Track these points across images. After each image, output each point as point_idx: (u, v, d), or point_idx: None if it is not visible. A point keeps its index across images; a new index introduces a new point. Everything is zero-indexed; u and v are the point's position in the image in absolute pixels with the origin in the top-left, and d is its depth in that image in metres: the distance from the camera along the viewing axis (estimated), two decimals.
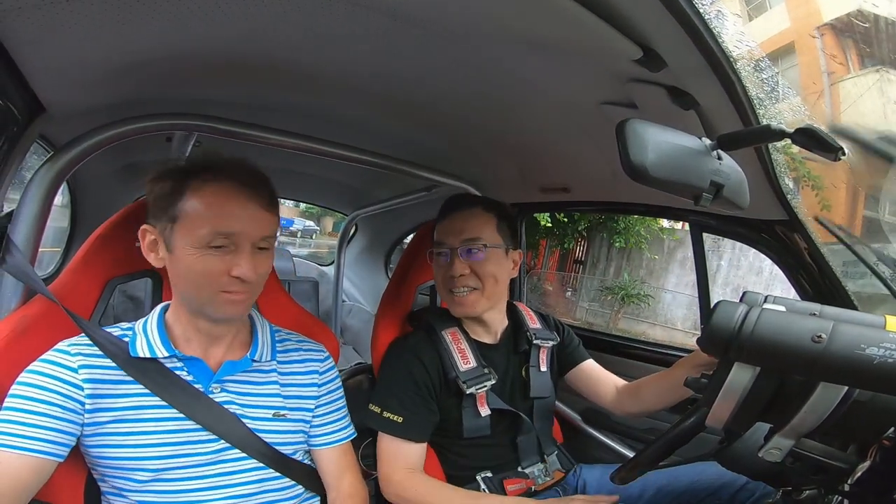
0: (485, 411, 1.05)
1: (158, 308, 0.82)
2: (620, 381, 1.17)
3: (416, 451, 1.00)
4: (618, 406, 1.14)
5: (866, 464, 0.53)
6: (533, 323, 1.20)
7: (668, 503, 1.01)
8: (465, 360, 1.06)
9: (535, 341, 1.15)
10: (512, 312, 1.19)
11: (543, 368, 1.17)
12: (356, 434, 0.95)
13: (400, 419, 0.99)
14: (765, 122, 0.75)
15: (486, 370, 1.06)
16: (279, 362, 0.87)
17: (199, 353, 0.79)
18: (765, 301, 0.57)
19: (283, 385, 0.86)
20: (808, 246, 1.03)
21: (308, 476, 0.87)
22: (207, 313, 0.76)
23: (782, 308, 0.53)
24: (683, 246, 8.73)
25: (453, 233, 1.07)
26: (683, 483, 1.00)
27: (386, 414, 1.00)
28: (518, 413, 1.08)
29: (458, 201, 1.12)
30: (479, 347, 1.10)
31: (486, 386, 1.04)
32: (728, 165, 0.63)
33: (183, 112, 0.99)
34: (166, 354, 0.76)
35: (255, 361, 0.83)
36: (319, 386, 0.90)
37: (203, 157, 0.76)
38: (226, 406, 0.79)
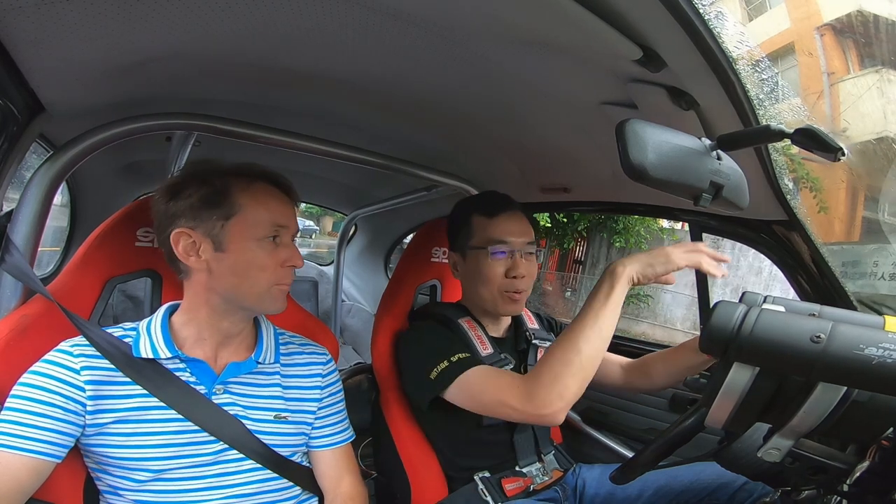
0: None
1: (163, 309, 0.81)
2: (623, 359, 1.18)
3: (495, 368, 0.96)
4: (627, 384, 1.15)
5: (865, 464, 0.53)
6: (531, 323, 1.21)
7: (667, 503, 1.01)
8: (484, 346, 1.06)
9: (533, 341, 1.16)
10: None
11: None
12: (355, 436, 0.95)
13: (467, 354, 0.96)
14: (764, 122, 0.76)
15: (502, 355, 1.07)
16: (282, 364, 0.87)
17: (205, 354, 0.80)
18: (764, 301, 0.57)
19: (285, 387, 0.86)
20: (808, 246, 1.03)
21: (306, 477, 0.87)
22: (259, 307, 0.81)
23: (781, 308, 0.53)
24: None
25: (515, 233, 1.06)
26: (682, 483, 1.00)
27: (454, 357, 0.94)
28: None
29: (506, 200, 1.11)
30: (490, 338, 1.10)
31: (506, 370, 1.04)
32: (728, 166, 0.63)
33: (183, 112, 0.99)
34: (169, 355, 0.76)
35: (260, 363, 0.83)
36: (322, 388, 0.90)
37: (231, 162, 0.80)
38: (228, 408, 0.79)
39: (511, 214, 1.09)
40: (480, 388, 0.90)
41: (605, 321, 0.81)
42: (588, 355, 0.79)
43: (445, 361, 0.94)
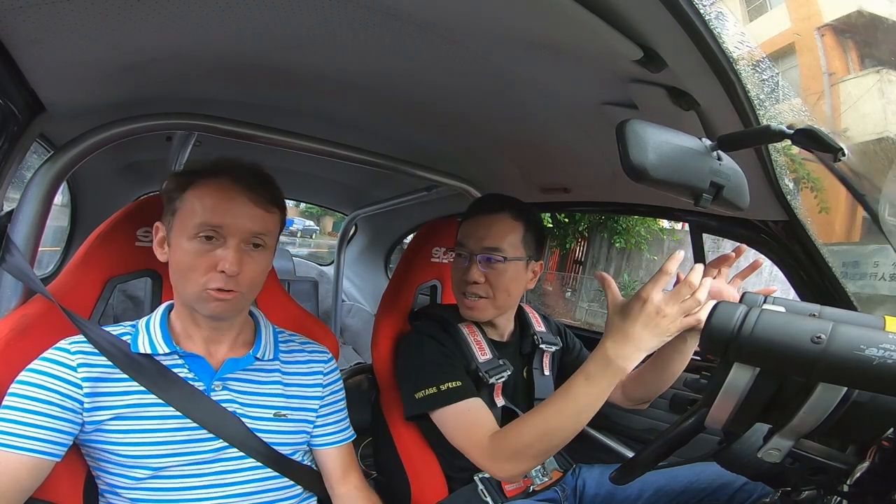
0: (500, 402, 1.05)
1: (163, 306, 0.82)
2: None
3: (482, 404, 0.96)
4: (626, 396, 1.12)
5: (865, 464, 0.53)
6: (538, 326, 1.20)
7: (667, 503, 1.01)
8: (482, 352, 1.06)
9: (540, 345, 1.16)
10: (519, 314, 1.20)
11: (547, 372, 1.18)
12: (356, 436, 0.95)
13: (459, 383, 0.96)
14: (765, 122, 0.75)
15: (501, 361, 1.06)
16: (283, 362, 0.87)
17: (201, 351, 0.80)
18: (764, 302, 0.57)
19: (285, 385, 0.86)
20: (808, 246, 1.03)
21: (307, 476, 0.87)
22: (197, 310, 0.77)
23: (782, 309, 0.53)
24: (683, 247, 8.73)
25: (475, 237, 1.04)
26: (682, 483, 1.00)
27: (444, 386, 0.95)
28: (518, 413, 1.08)
29: (487, 202, 1.08)
30: (492, 343, 1.10)
31: (503, 377, 1.04)
32: (728, 166, 0.63)
33: (183, 112, 0.99)
34: (167, 351, 0.76)
35: (258, 359, 0.83)
36: (324, 387, 0.91)
37: (212, 158, 0.79)
38: (227, 405, 0.79)
39: (481, 218, 1.05)
40: (453, 429, 0.94)
41: (585, 409, 0.79)
42: (554, 444, 0.82)
43: (434, 388, 0.95)
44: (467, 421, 0.93)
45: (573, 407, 0.79)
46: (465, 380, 0.98)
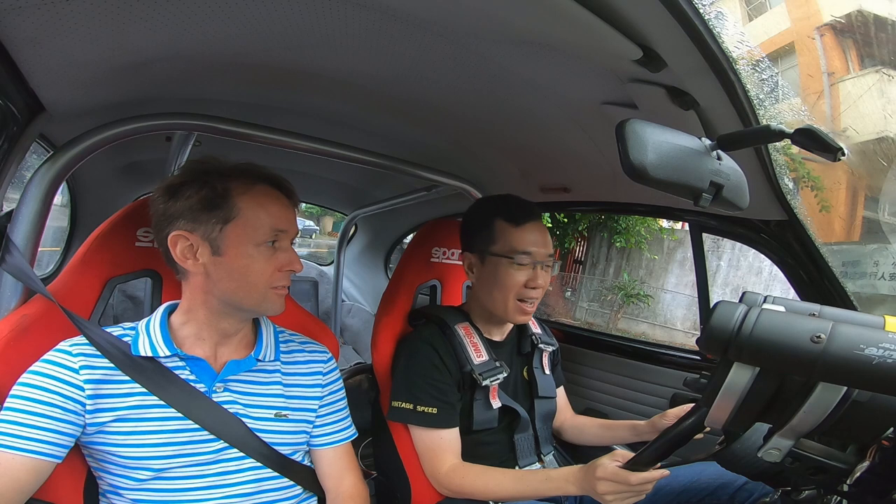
0: (496, 403, 1.06)
1: (162, 308, 0.82)
2: (571, 414, 1.30)
3: (454, 437, 1.02)
4: (561, 432, 1.28)
5: (865, 464, 0.54)
6: (535, 328, 1.22)
7: (667, 503, 1.01)
8: (478, 354, 1.07)
9: (539, 345, 1.17)
10: None
11: (547, 371, 1.19)
12: (357, 434, 0.95)
13: (434, 410, 1.00)
14: (764, 122, 0.76)
15: (497, 363, 1.07)
16: (283, 363, 0.87)
17: (205, 353, 0.80)
18: (764, 301, 0.57)
19: (286, 385, 0.86)
20: (808, 246, 1.03)
21: (307, 476, 0.87)
22: (257, 310, 0.81)
23: (781, 308, 0.53)
24: (683, 246, 8.72)
25: (538, 244, 1.06)
26: (682, 483, 1.00)
27: (420, 408, 1.01)
28: (519, 411, 1.09)
29: (532, 209, 1.10)
30: (489, 343, 1.11)
31: (499, 378, 1.06)
32: (728, 166, 0.63)
33: (183, 112, 0.99)
34: (168, 353, 0.76)
35: (260, 361, 0.83)
36: (323, 386, 0.91)
37: (232, 163, 0.79)
38: (228, 406, 0.79)
39: (535, 224, 1.08)
40: (417, 448, 1.05)
41: (529, 497, 0.94)
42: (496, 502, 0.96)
43: (410, 405, 1.02)
44: (432, 448, 1.02)
45: (528, 492, 0.94)
46: (445, 405, 1.01)
